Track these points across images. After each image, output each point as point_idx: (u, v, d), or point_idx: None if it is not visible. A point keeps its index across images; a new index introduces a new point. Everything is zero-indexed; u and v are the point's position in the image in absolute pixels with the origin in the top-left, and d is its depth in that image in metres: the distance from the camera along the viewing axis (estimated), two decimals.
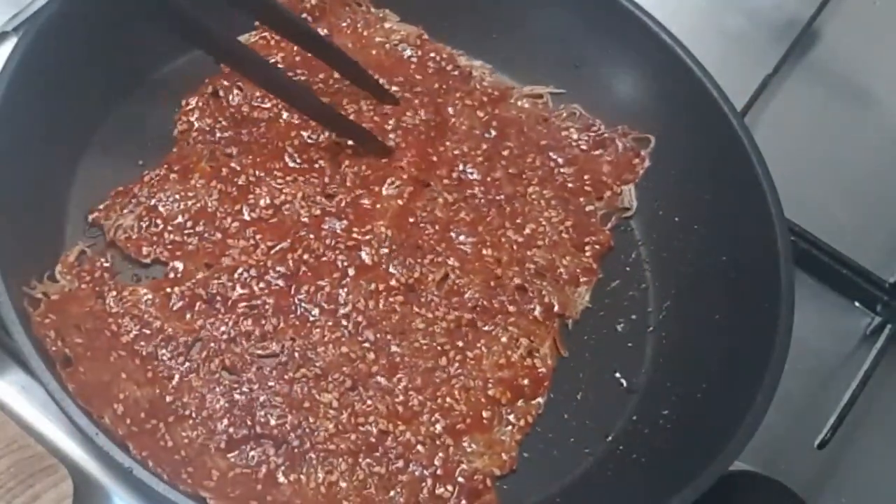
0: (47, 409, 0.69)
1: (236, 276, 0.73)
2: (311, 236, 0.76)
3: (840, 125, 1.00)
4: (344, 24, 0.88)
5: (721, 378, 0.72)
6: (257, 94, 0.82)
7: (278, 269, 0.74)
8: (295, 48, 0.85)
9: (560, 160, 0.84)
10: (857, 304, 0.89)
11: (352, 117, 0.82)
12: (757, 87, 0.96)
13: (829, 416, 0.80)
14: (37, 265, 0.70)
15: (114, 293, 0.71)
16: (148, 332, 0.70)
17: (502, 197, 0.81)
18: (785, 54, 1.00)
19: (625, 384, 0.76)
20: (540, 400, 0.73)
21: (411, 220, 0.78)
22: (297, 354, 0.71)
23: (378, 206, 0.78)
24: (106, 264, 0.72)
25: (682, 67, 0.82)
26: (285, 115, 0.81)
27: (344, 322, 0.73)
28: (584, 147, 0.85)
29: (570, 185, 0.83)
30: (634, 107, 0.85)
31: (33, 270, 0.69)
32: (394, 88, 0.85)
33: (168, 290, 0.72)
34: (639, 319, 0.79)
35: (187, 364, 0.69)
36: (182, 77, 0.83)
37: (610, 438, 0.73)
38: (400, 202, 0.79)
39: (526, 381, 0.73)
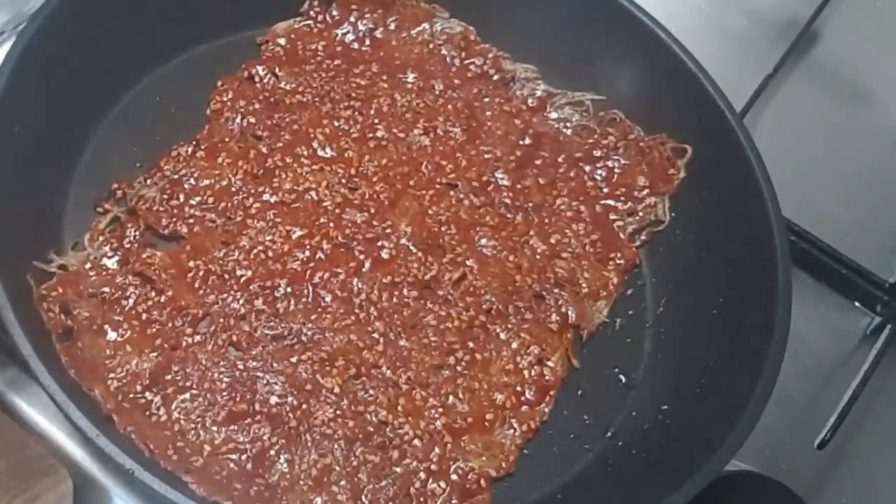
0: (47, 410, 0.69)
1: (252, 255, 0.74)
2: (331, 225, 0.76)
3: (840, 125, 1.01)
4: (391, 19, 0.88)
5: (719, 372, 0.72)
6: (292, 81, 0.83)
7: (295, 253, 0.75)
8: (336, 38, 0.86)
9: (594, 173, 0.84)
10: (857, 304, 0.89)
11: (385, 109, 0.83)
12: (757, 87, 0.96)
13: (829, 416, 0.80)
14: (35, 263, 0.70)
15: (133, 257, 0.72)
16: (162, 300, 0.71)
17: (530, 205, 0.81)
18: (785, 54, 1.00)
19: (623, 380, 0.76)
20: (545, 408, 0.73)
21: (433, 219, 0.79)
22: (304, 338, 0.72)
23: (400, 202, 0.79)
24: (136, 232, 0.74)
25: (681, 67, 0.82)
26: (318, 103, 0.83)
27: (355, 311, 0.73)
28: (621, 155, 0.84)
29: (601, 199, 0.83)
30: (633, 106, 0.85)
31: (32, 270, 0.69)
32: (436, 91, 0.85)
33: (183, 260, 0.73)
34: (637, 315, 0.79)
35: (195, 336, 0.70)
36: (214, 59, 0.84)
37: (609, 434, 0.74)
38: (423, 202, 0.79)
39: (532, 389, 0.73)
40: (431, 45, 0.88)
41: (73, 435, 0.69)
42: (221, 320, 0.71)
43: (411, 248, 0.77)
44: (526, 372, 0.74)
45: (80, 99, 0.77)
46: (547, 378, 0.74)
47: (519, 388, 0.73)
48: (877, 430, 0.84)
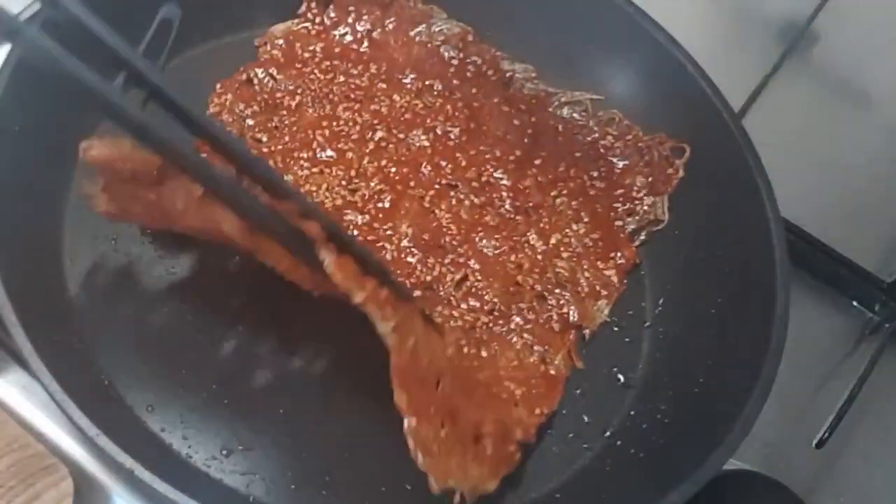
0: (48, 409, 0.69)
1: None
2: None
3: (839, 125, 1.01)
4: (389, 20, 0.88)
5: (718, 372, 0.72)
6: (290, 84, 0.83)
7: None
8: (334, 40, 0.86)
9: (594, 172, 0.84)
10: (855, 303, 0.89)
11: (384, 110, 0.83)
12: (755, 88, 0.96)
13: (828, 415, 0.81)
14: (35, 264, 0.70)
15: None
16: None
17: (530, 205, 0.81)
18: (783, 54, 1.00)
19: (622, 379, 0.76)
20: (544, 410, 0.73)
21: (434, 220, 0.79)
22: None
23: (400, 203, 0.79)
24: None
25: (679, 67, 0.82)
26: (317, 105, 0.83)
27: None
28: (620, 155, 0.84)
29: (601, 199, 0.83)
30: (632, 106, 0.85)
31: (32, 269, 0.69)
32: (435, 91, 0.85)
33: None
34: (635, 315, 0.79)
35: None
36: (210, 61, 0.84)
37: (608, 434, 0.74)
38: (423, 203, 0.79)
39: (541, 383, 0.73)
40: (430, 46, 0.88)
41: (73, 434, 0.69)
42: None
43: (412, 249, 0.77)
44: (532, 368, 0.74)
45: (80, 100, 0.76)
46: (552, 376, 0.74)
47: (529, 382, 0.73)
48: (875, 429, 0.84)
